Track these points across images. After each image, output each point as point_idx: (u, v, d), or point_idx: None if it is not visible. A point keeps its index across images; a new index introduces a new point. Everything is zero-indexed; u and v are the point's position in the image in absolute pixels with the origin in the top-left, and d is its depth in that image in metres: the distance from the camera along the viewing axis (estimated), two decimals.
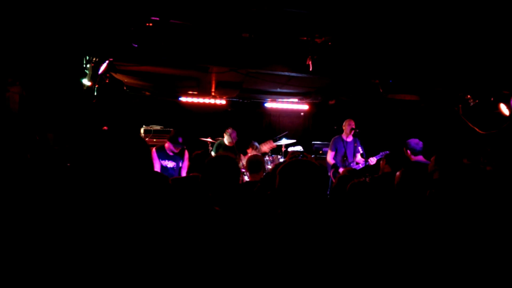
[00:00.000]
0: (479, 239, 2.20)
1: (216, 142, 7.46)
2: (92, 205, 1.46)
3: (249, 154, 7.86)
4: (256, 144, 7.87)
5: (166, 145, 5.88)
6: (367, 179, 4.09)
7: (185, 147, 6.01)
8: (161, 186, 2.16)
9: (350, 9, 4.62)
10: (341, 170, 6.64)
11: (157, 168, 5.79)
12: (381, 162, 4.80)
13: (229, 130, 7.22)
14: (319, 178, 2.01)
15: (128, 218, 1.44)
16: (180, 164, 5.96)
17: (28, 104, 5.50)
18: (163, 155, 5.86)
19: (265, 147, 7.87)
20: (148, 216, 1.49)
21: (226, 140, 7.28)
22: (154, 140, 8.50)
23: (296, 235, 1.82)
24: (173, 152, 5.84)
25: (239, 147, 7.98)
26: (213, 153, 7.21)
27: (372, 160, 6.45)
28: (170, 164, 5.88)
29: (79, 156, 1.52)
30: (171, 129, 8.30)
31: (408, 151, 5.17)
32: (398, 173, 3.17)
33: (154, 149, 5.93)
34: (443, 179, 3.06)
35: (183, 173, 5.93)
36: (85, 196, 1.49)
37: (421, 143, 5.13)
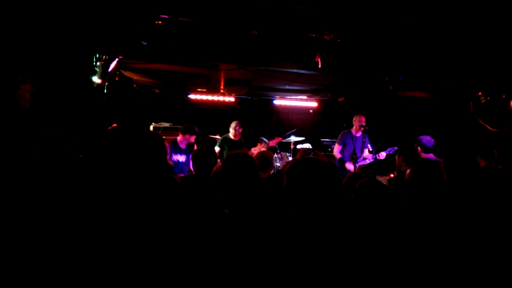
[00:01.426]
0: (489, 239, 2.18)
1: (221, 137, 7.29)
2: (100, 202, 1.46)
3: (258, 149, 7.87)
4: (265, 139, 7.88)
5: (179, 138, 6.00)
6: (386, 182, 4.07)
7: (193, 142, 6.12)
8: (171, 186, 2.15)
9: (359, 5, 4.59)
10: (347, 164, 6.59)
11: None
12: (396, 159, 4.71)
13: (234, 124, 7.12)
14: (327, 176, 1.97)
15: (134, 216, 1.45)
16: (190, 157, 6.06)
17: (39, 101, 5.56)
18: (175, 148, 5.94)
19: (273, 142, 7.91)
20: (156, 215, 1.50)
21: (231, 134, 7.17)
22: (163, 137, 8.52)
23: (305, 235, 1.80)
24: (184, 145, 5.96)
25: (248, 143, 7.98)
26: (217, 148, 7.12)
27: (382, 155, 6.37)
28: (181, 158, 5.97)
29: (91, 153, 1.53)
30: (179, 127, 8.33)
31: (419, 148, 5.10)
32: (408, 170, 3.14)
33: (166, 143, 6.02)
34: (451, 179, 3.03)
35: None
36: (94, 193, 1.49)
37: (432, 140, 5.04)
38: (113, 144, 1.51)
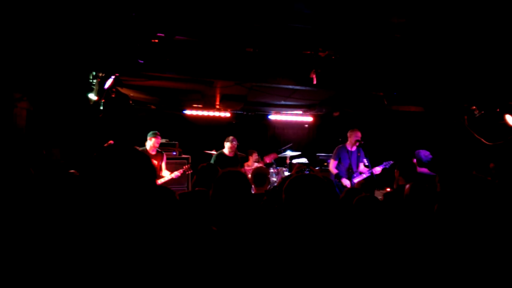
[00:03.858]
0: (485, 253, 2.18)
1: (216, 153, 7.33)
2: (93, 219, 1.46)
3: (251, 164, 7.88)
4: (256, 154, 7.91)
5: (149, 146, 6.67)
6: (382, 196, 4.10)
7: (161, 150, 6.92)
8: (167, 200, 2.15)
9: (352, 23, 4.66)
10: (343, 180, 6.59)
11: None
12: (395, 172, 4.75)
13: (230, 138, 7.18)
14: (325, 192, 1.99)
15: (130, 234, 1.44)
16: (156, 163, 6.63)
17: (35, 119, 5.56)
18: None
19: (268, 159, 7.92)
20: (151, 232, 1.49)
21: (227, 149, 7.20)
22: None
23: (305, 250, 1.81)
24: (155, 151, 6.70)
25: (243, 159, 7.97)
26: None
27: (377, 170, 6.38)
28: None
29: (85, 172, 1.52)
30: (175, 142, 8.44)
31: (415, 161, 5.15)
32: (407, 186, 3.16)
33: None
34: (446, 192, 3.05)
35: (161, 173, 6.74)
36: (87, 210, 1.48)
37: (430, 156, 5.10)
38: (104, 163, 1.51)
